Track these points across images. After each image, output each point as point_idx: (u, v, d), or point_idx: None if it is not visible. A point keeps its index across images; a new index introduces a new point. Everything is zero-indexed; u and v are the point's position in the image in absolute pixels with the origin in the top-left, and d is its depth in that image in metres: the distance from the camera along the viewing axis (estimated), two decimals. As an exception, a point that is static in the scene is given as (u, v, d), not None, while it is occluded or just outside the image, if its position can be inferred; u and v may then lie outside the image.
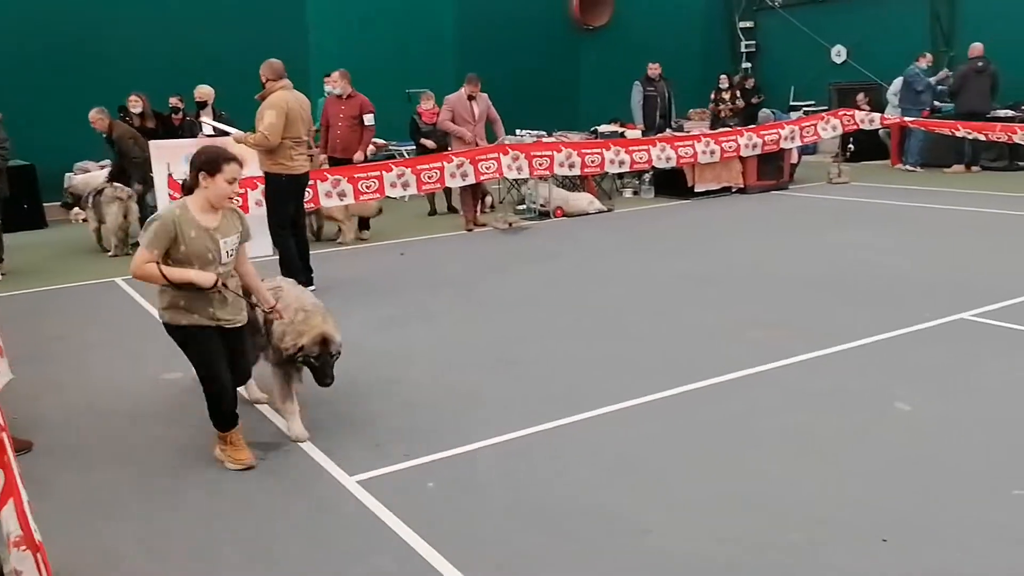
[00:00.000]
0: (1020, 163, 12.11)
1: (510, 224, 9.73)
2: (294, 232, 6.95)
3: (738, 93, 15.02)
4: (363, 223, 9.56)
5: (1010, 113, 12.15)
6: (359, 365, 4.79)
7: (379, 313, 6.26)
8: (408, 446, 3.89)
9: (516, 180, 10.99)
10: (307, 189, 7.37)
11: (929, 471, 3.44)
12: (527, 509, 3.30)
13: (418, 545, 3.07)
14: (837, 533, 3.02)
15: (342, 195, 8.86)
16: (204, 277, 3.53)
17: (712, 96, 15.13)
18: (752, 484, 3.42)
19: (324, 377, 3.94)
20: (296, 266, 6.76)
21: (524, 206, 10.91)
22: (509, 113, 10.53)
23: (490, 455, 3.80)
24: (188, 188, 3.68)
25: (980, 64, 12.06)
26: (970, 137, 11.64)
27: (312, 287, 6.99)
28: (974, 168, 12.29)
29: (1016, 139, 11.02)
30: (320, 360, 3.92)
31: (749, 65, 17.27)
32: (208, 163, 3.55)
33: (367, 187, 9.03)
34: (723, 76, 15.06)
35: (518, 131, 11.79)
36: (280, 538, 3.18)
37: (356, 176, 8.98)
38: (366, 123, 9.24)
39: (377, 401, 4.50)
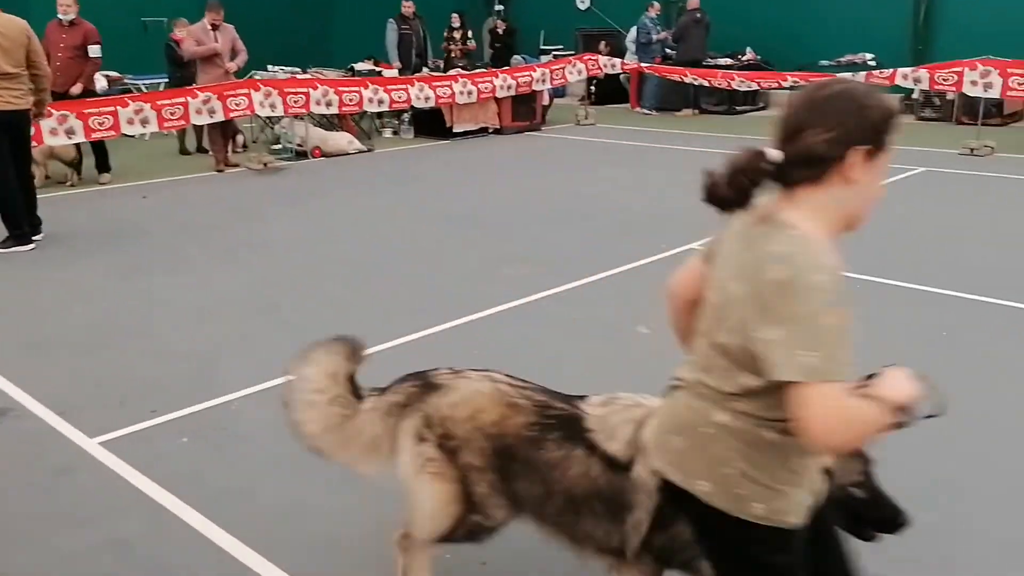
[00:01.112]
0: (738, 107, 13.47)
1: (265, 164, 9.31)
2: (18, 177, 6.16)
3: (469, 34, 14.41)
4: (101, 164, 8.68)
5: (729, 61, 13.43)
6: (98, 316, 4.42)
7: (119, 261, 5.79)
8: (157, 401, 3.67)
9: (270, 118, 10.49)
10: (27, 128, 6.49)
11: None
12: (292, 458, 3.25)
13: (173, 504, 2.91)
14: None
15: (70, 132, 7.99)
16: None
17: (445, 35, 14.33)
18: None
19: (893, 516, 1.86)
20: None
21: (279, 146, 10.48)
22: (257, 48, 9.97)
23: (251, 404, 3.69)
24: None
25: (698, 15, 13.18)
26: (696, 83, 12.73)
27: (39, 236, 6.32)
28: (697, 111, 13.55)
29: (734, 85, 12.20)
30: (867, 484, 1.86)
31: (502, 8, 17.56)
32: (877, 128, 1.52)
33: (100, 124, 8.21)
34: (455, 15, 14.21)
35: (270, 67, 11.21)
36: (11, 516, 2.90)
37: (87, 112, 8.11)
38: (91, 55, 8.31)
39: (119, 355, 4.19)
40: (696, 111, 13.51)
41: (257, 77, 9.73)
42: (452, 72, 12.13)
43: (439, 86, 11.13)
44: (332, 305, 4.95)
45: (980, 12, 11.91)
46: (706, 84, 12.60)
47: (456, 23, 14.11)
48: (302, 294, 5.17)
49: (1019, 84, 9.24)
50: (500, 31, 15.84)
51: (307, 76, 10.82)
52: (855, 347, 1.42)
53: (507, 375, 2.28)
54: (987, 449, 3.18)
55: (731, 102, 13.40)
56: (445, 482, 2.16)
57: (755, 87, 12.36)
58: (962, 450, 3.12)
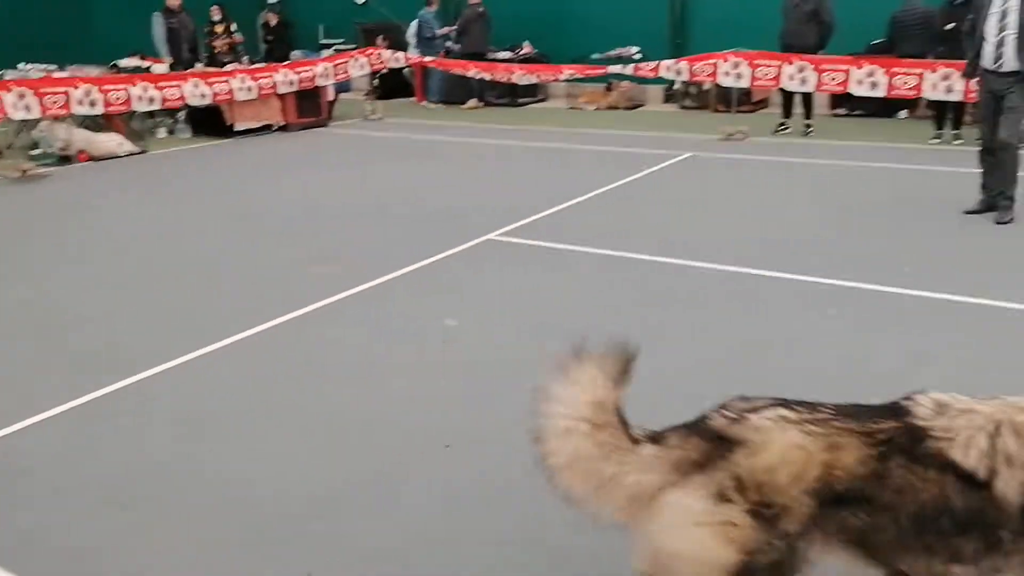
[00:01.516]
0: (520, 100, 13.97)
1: (23, 172, 8.46)
2: None
3: (233, 27, 13.32)
4: None
5: (508, 55, 13.89)
6: None
7: None
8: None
9: (25, 121, 9.53)
10: None
11: (477, 375, 3.96)
12: (87, 484, 3.06)
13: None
14: (415, 443, 3.35)
15: None
16: None
17: (206, 30, 13.16)
18: (337, 418, 3.60)
19: None
20: None
21: (39, 151, 9.55)
22: (6, 44, 9.02)
23: (37, 434, 3.41)
24: None
25: (480, 9, 13.53)
26: (478, 77, 13.04)
27: None
28: (481, 103, 13.90)
29: (514, 79, 12.63)
30: None
31: (276, 0, 16.97)
32: None
33: None
34: (214, 8, 13.08)
35: (20, 65, 10.18)
36: None
37: None
38: None
39: None
40: (481, 103, 13.86)
41: (8, 77, 8.82)
42: (228, 68, 11.61)
43: (216, 82, 10.64)
44: (121, 318, 4.65)
45: (729, 8, 13.11)
46: (488, 77, 12.93)
47: (217, 16, 13.01)
48: (88, 309, 4.81)
49: (764, 74, 10.31)
50: (273, 24, 15.24)
51: (65, 74, 9.94)
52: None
53: (797, 405, 1.94)
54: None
55: (513, 95, 13.87)
56: (736, 552, 1.82)
57: (535, 80, 12.87)
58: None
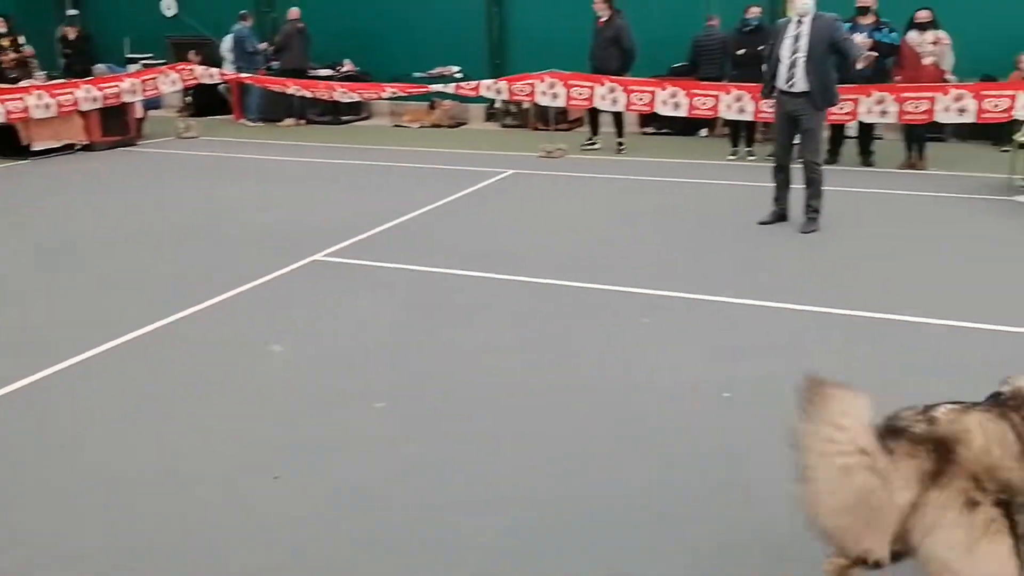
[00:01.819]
0: (343, 117, 13.84)
1: None
2: None
3: (21, 40, 12.08)
4: None
5: (329, 72, 13.73)
6: None
7: None
8: None
9: None
10: None
11: (302, 400, 3.91)
12: None
13: None
14: (240, 476, 3.26)
15: None
16: None
17: None
18: (144, 457, 3.44)
19: None
20: None
21: None
22: None
23: None
24: None
25: (300, 25, 13.29)
26: (298, 94, 12.78)
27: None
28: (302, 121, 13.64)
29: (336, 96, 12.48)
30: None
31: (76, 12, 15.87)
32: None
33: None
34: None
35: None
36: None
37: None
38: None
39: None
40: (302, 121, 13.59)
41: None
42: (22, 84, 10.72)
43: (9, 99, 9.81)
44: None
45: (545, 30, 13.63)
46: (309, 95, 12.71)
47: (2, 29, 11.92)
48: None
49: (579, 94, 10.80)
50: (72, 38, 14.21)
51: None
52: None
53: (941, 404, 2.07)
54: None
55: (335, 112, 13.70)
56: (1008, 538, 1.90)
57: (357, 98, 12.78)
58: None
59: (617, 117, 10.93)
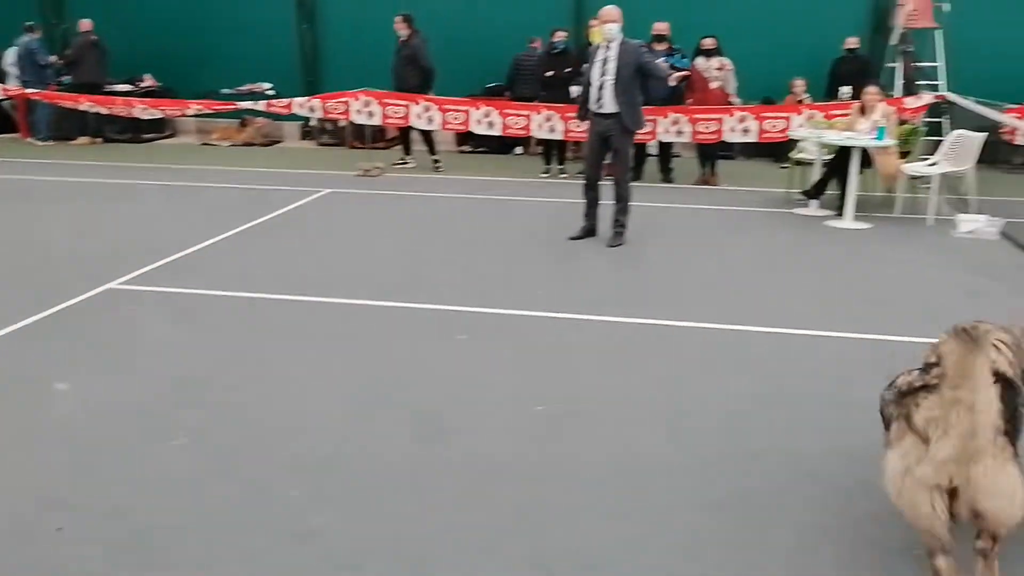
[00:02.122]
0: (145, 135, 13.07)
1: None
2: None
3: None
4: None
5: (128, 87, 12.93)
6: None
7: None
8: None
9: None
10: None
11: (94, 442, 3.63)
12: None
13: None
14: (18, 525, 2.98)
15: None
16: None
17: None
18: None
19: None
20: None
21: None
22: None
23: None
24: None
25: (94, 38, 12.44)
26: (92, 110, 11.94)
27: None
28: (98, 140, 12.74)
29: (135, 113, 11.76)
30: None
31: None
32: None
33: None
34: None
35: None
36: None
37: None
38: None
39: None
40: (99, 140, 12.70)
41: None
42: None
43: None
44: None
45: (359, 48, 13.50)
46: (104, 111, 11.90)
47: None
48: None
49: (395, 113, 10.81)
50: None
51: None
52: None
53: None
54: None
55: (136, 130, 12.92)
56: None
57: (159, 115, 12.12)
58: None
59: (427, 135, 11.03)
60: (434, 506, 3.15)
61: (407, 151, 11.30)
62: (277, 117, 12.33)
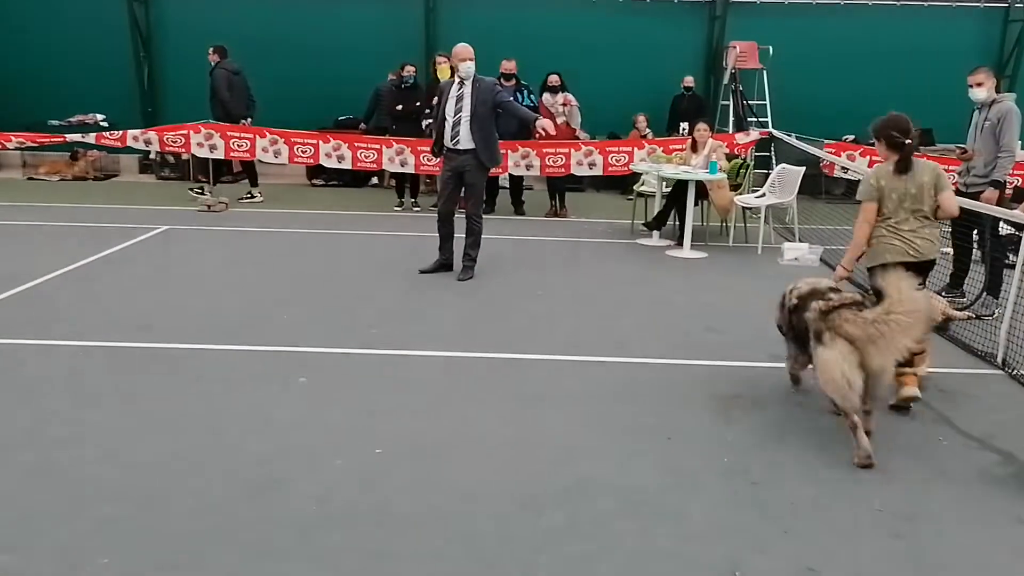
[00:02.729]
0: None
1: None
2: None
3: None
4: None
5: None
6: None
7: None
8: None
9: None
10: None
11: None
12: None
13: None
14: None
15: None
16: None
17: None
18: None
19: None
20: None
21: None
22: None
23: None
24: None
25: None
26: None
27: None
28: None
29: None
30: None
31: None
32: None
33: None
34: None
35: None
36: None
37: None
38: None
39: None
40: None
41: None
42: None
43: None
44: None
45: (200, 79, 13.04)
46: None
47: None
48: None
49: (239, 146, 10.48)
50: None
51: None
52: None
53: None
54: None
55: (-50, 164, 11.91)
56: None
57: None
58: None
59: (247, 167, 11.01)
60: (273, 553, 2.99)
61: (254, 183, 11.01)
62: (112, 150, 11.68)
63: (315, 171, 12.28)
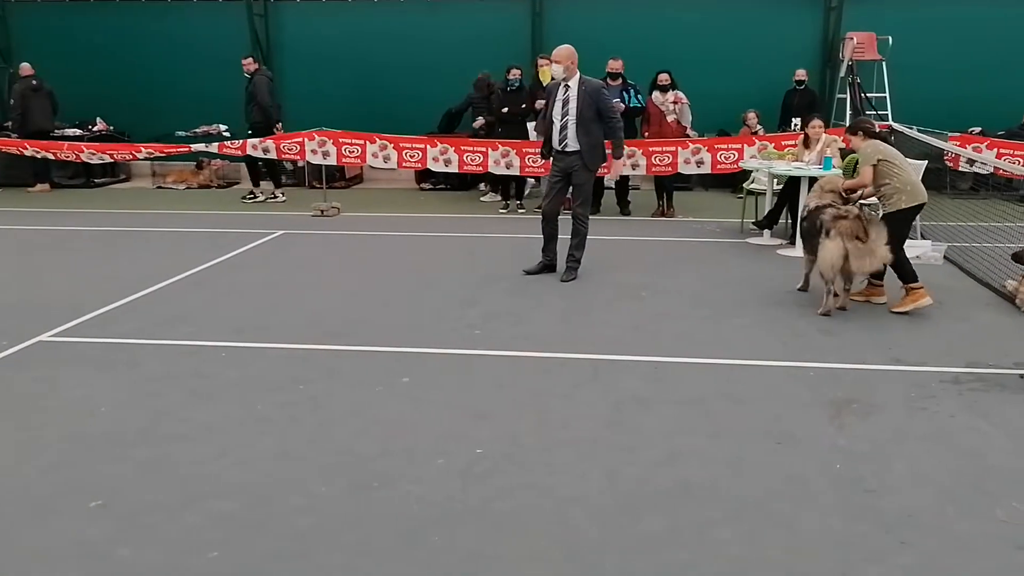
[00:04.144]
0: (96, 180, 12.91)
1: None
2: None
3: None
4: None
5: (78, 132, 12.78)
6: None
7: None
8: None
9: None
10: None
11: (13, 501, 3.48)
12: None
13: None
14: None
15: None
16: None
17: None
18: None
19: None
20: None
21: None
22: None
23: None
24: None
25: (35, 83, 12.22)
26: (39, 156, 11.74)
27: None
28: (46, 186, 12.50)
29: (84, 157, 11.54)
30: None
31: None
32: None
33: None
34: None
35: None
36: None
37: None
38: None
39: None
40: (47, 186, 12.50)
41: None
42: None
43: None
44: None
45: (314, 88, 13.52)
46: (52, 157, 11.71)
47: None
48: None
49: (350, 152, 10.80)
50: None
51: None
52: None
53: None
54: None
55: (88, 175, 12.76)
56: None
57: (108, 159, 11.97)
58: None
59: (269, 167, 11.67)
60: (374, 553, 3.04)
61: (256, 183, 11.76)
62: (234, 158, 12.26)
63: (423, 175, 12.52)
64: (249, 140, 10.99)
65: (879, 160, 6.03)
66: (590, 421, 4.22)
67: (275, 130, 11.33)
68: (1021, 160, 9.73)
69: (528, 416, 4.28)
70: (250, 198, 11.55)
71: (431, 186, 12.68)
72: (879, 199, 6.21)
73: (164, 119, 13.08)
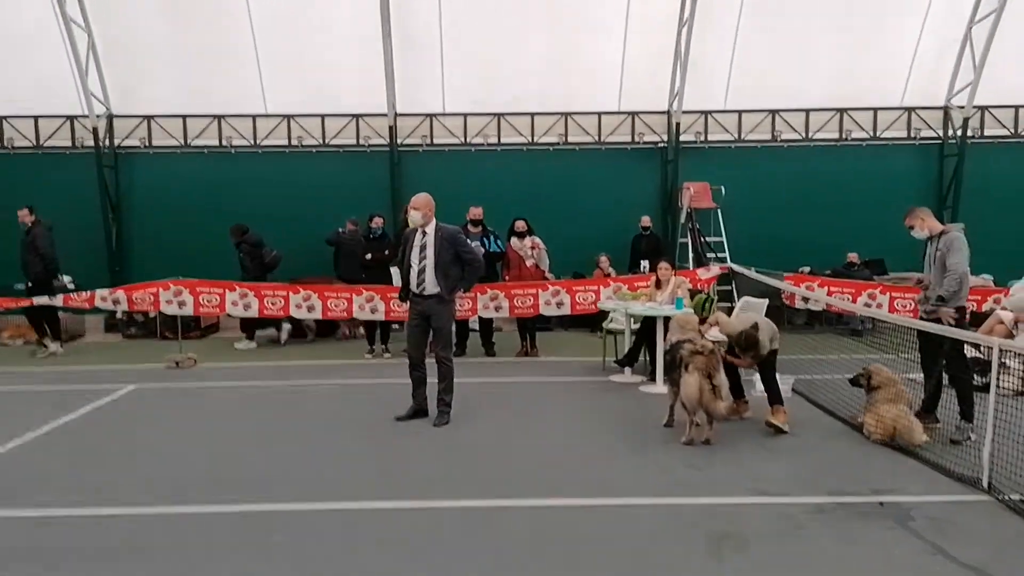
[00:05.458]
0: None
1: None
2: None
3: None
4: None
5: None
6: None
7: None
8: None
9: None
10: None
11: None
12: None
13: None
14: None
15: None
16: None
17: None
18: None
19: None
20: None
21: None
22: None
23: None
24: None
25: None
26: None
27: None
28: None
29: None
30: None
31: None
32: None
33: None
34: None
35: None
36: None
37: None
38: None
39: None
40: None
41: None
42: None
43: None
44: None
45: (167, 238, 13.20)
46: None
47: None
48: None
49: (208, 301, 10.50)
50: None
51: None
52: None
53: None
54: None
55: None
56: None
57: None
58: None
59: (49, 319, 11.19)
60: None
61: (41, 336, 11.25)
62: (78, 311, 11.62)
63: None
64: (98, 292, 10.51)
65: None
66: (473, 573, 4.12)
67: (55, 282, 10.95)
68: (850, 297, 10.74)
69: (407, 573, 4.13)
70: (43, 353, 10.88)
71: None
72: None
73: (2, 272, 12.32)
